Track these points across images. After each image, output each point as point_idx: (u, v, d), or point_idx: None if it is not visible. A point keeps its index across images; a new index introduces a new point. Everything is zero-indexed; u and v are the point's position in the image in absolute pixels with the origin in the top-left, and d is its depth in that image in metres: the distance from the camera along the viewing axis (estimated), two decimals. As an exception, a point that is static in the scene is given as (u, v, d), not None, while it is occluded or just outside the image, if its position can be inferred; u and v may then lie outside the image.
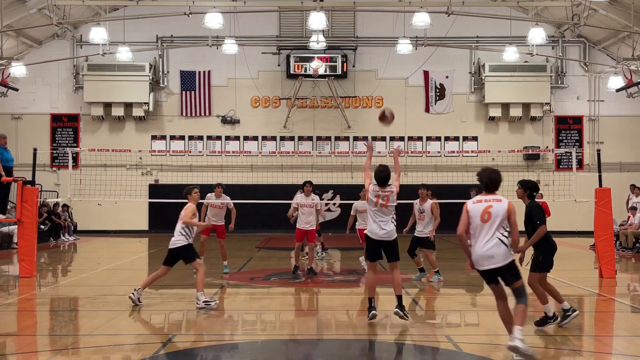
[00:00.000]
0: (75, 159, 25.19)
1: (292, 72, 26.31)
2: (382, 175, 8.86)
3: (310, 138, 27.28)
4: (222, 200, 13.69)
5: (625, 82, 25.35)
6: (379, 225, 8.79)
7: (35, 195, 13.59)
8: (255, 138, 27.29)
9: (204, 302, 9.66)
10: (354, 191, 16.44)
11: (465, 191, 20.66)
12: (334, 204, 26.27)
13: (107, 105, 26.77)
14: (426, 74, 27.25)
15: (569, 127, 27.59)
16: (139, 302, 9.88)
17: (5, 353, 7.33)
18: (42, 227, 21.48)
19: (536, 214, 8.24)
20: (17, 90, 25.46)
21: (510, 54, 24.40)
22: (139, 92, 26.43)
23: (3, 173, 14.36)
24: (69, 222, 24.05)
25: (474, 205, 6.95)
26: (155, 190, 26.46)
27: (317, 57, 26.00)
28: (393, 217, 8.88)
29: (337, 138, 27.31)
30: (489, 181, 7.00)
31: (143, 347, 7.51)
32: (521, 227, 7.33)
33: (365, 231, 9.19)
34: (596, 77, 27.33)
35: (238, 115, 27.32)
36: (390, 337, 8.40)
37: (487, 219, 6.82)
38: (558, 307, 8.53)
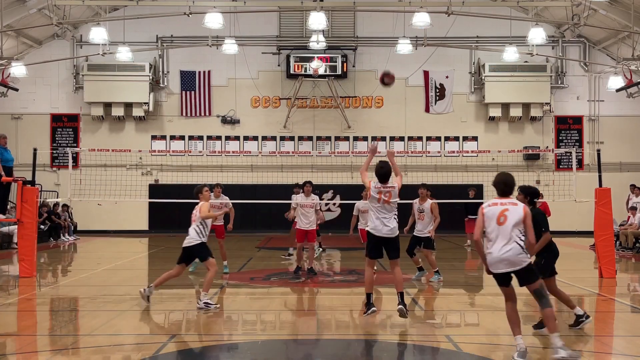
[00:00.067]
0: (75, 159, 25.19)
1: (292, 72, 26.32)
2: (383, 172, 8.88)
3: (310, 138, 27.28)
4: (221, 200, 13.69)
5: (625, 82, 25.35)
6: (382, 222, 8.79)
7: (35, 195, 13.59)
8: (255, 138, 27.30)
9: (204, 302, 9.66)
10: (354, 191, 16.45)
11: (465, 191, 20.69)
12: (334, 204, 26.27)
13: (107, 105, 26.78)
14: (426, 74, 27.25)
15: (569, 127, 27.60)
16: (148, 300, 9.87)
17: (6, 353, 7.33)
18: (42, 227, 21.47)
19: (541, 220, 8.25)
20: (17, 90, 25.47)
21: (510, 54, 24.41)
22: (139, 92, 26.44)
23: (3, 173, 14.36)
24: (69, 222, 24.05)
25: (490, 208, 7.05)
26: (155, 190, 26.48)
27: (317, 57, 26.00)
28: (395, 214, 8.89)
29: (337, 138, 27.31)
30: (505, 186, 7.17)
31: (143, 347, 7.51)
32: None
33: (367, 229, 9.18)
34: (596, 77, 27.34)
35: (238, 115, 27.33)
36: (390, 337, 8.41)
37: (503, 222, 6.92)
38: (571, 313, 8.51)
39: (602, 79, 27.12)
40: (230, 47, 24.51)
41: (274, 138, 27.31)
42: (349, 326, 9.01)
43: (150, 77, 26.49)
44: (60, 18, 22.68)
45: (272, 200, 18.80)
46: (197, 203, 10.30)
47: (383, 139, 26.95)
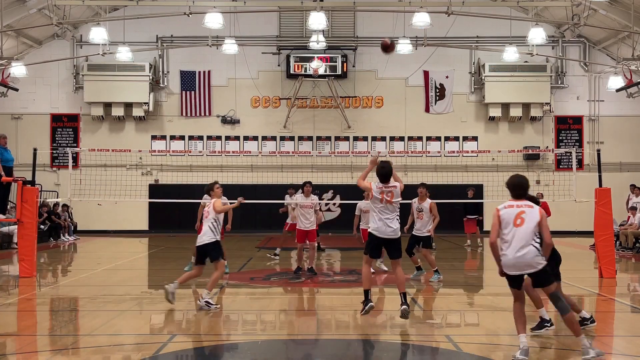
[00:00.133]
0: (75, 159, 25.19)
1: (292, 72, 26.31)
2: (384, 172, 8.87)
3: (310, 138, 27.28)
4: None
5: (625, 82, 25.35)
6: (385, 222, 8.76)
7: (35, 195, 13.59)
8: (255, 138, 27.30)
9: (205, 301, 9.66)
10: (354, 191, 16.37)
11: (465, 191, 20.67)
12: (334, 204, 26.27)
13: (107, 105, 26.78)
14: (426, 74, 27.25)
15: (569, 127, 27.59)
16: (173, 298, 9.71)
17: (6, 353, 7.33)
18: (42, 227, 21.47)
19: None
20: (17, 90, 25.47)
21: (510, 54, 24.41)
22: (139, 92, 26.44)
23: (3, 173, 14.37)
24: (69, 222, 24.05)
25: (506, 210, 7.03)
26: (155, 190, 26.47)
27: (317, 57, 26.00)
28: (397, 215, 8.87)
29: (337, 138, 27.31)
30: (520, 188, 7.17)
31: (143, 347, 7.51)
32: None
33: (368, 229, 9.16)
34: (596, 77, 27.34)
35: (238, 115, 27.33)
36: (390, 337, 8.41)
37: (520, 224, 6.91)
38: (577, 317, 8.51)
39: (602, 79, 27.12)
40: (230, 47, 24.51)
41: (274, 138, 27.31)
42: (349, 326, 9.01)
43: (150, 77, 26.49)
44: (60, 18, 22.68)
45: (272, 200, 18.82)
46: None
47: (383, 139, 26.97)
